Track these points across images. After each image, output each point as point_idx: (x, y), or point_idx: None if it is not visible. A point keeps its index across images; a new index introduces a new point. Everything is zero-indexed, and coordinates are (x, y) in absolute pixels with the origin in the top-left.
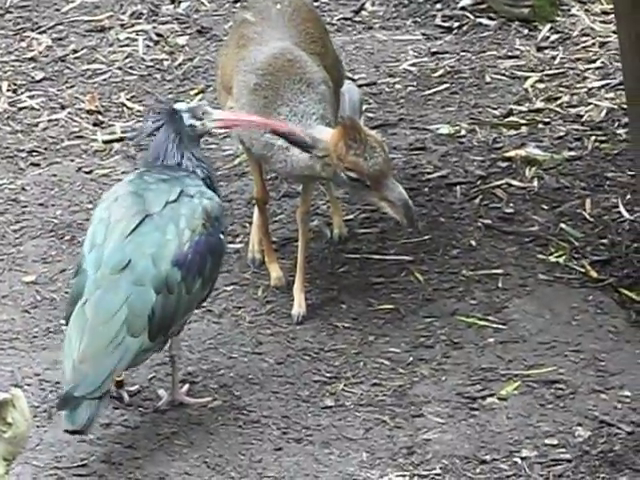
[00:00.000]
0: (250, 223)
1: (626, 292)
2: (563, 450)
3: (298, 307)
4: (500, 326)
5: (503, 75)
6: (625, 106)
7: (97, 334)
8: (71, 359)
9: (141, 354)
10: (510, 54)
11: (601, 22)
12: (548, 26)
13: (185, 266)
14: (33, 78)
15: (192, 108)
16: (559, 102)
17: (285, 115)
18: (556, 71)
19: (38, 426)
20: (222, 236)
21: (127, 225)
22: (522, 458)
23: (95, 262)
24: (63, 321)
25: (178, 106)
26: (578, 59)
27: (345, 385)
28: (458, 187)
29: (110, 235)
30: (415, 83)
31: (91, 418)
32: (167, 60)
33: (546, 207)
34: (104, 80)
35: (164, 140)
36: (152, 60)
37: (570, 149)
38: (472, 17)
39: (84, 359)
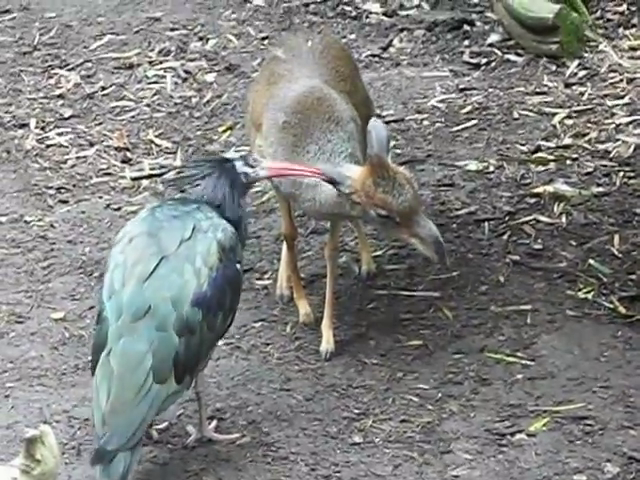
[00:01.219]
0: (278, 259)
1: None
2: None
3: (327, 343)
4: (529, 362)
5: (531, 111)
6: None
7: (124, 384)
8: (100, 412)
9: (170, 398)
10: (538, 90)
11: (629, 58)
12: (576, 62)
13: (205, 304)
14: (61, 115)
15: (244, 156)
16: (587, 138)
17: (314, 153)
18: (584, 107)
19: (67, 463)
20: (239, 266)
21: (144, 269)
22: None
23: (115, 309)
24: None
25: (230, 155)
26: (606, 95)
27: (374, 421)
28: (486, 223)
29: (128, 280)
30: (443, 119)
31: (127, 470)
32: (195, 97)
33: (574, 243)
34: (132, 117)
35: (218, 189)
36: (180, 97)
37: (598, 185)
38: (500, 53)
39: (114, 411)
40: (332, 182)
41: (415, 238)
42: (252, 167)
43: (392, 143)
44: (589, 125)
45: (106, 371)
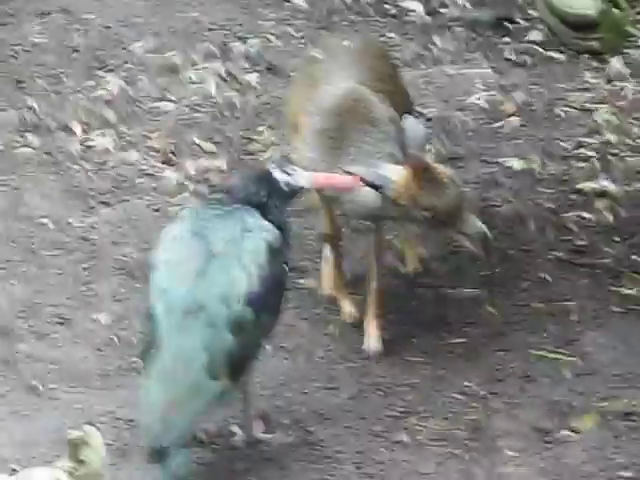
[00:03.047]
0: (321, 258)
1: None
2: None
3: (371, 342)
4: (573, 359)
5: (573, 108)
6: None
7: (178, 382)
8: (154, 410)
9: (224, 396)
10: (580, 87)
11: None
12: (618, 58)
13: (255, 303)
14: (104, 118)
15: (284, 169)
16: (629, 134)
17: (352, 155)
18: (626, 103)
19: (111, 464)
20: (285, 266)
21: (193, 268)
22: None
23: (165, 308)
24: (138, 360)
25: (272, 165)
26: None
27: (419, 420)
28: (530, 220)
29: (177, 279)
30: (485, 117)
31: (187, 465)
32: (237, 98)
33: (618, 239)
34: (174, 119)
35: (259, 194)
36: (222, 98)
37: None
38: (541, 50)
39: (168, 408)
40: (374, 187)
41: (462, 235)
42: (290, 175)
43: (433, 140)
44: (631, 121)
45: (158, 368)
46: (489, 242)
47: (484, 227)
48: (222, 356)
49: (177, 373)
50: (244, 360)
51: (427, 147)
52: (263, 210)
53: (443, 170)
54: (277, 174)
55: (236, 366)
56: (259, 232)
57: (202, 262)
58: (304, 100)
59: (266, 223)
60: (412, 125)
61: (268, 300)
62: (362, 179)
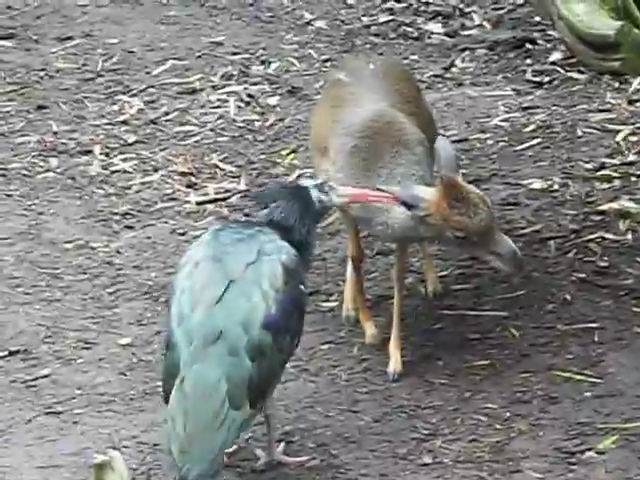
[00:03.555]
0: (344, 281)
1: None
2: None
3: (394, 364)
4: (597, 380)
5: (595, 129)
6: None
7: (200, 412)
8: (178, 441)
9: (246, 423)
10: (601, 107)
11: None
12: (639, 79)
13: (274, 327)
14: (125, 141)
15: (319, 184)
16: None
17: (384, 177)
18: None
19: None
20: (302, 287)
21: (212, 293)
22: None
23: (186, 335)
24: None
25: (305, 182)
26: None
27: (443, 442)
28: (552, 241)
29: (197, 305)
30: (507, 138)
31: None
32: (258, 121)
33: None
34: (196, 142)
35: (290, 213)
36: (243, 121)
37: None
38: (562, 71)
39: (192, 440)
40: (407, 205)
41: (493, 255)
42: (327, 194)
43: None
44: None
45: (181, 399)
46: (521, 261)
47: (514, 246)
48: (243, 384)
49: (199, 403)
50: (265, 385)
51: (458, 168)
52: (289, 230)
53: (474, 190)
54: (314, 192)
55: (257, 392)
56: (277, 255)
57: (222, 288)
58: (331, 122)
59: (283, 244)
60: (444, 146)
61: (287, 323)
62: (395, 196)
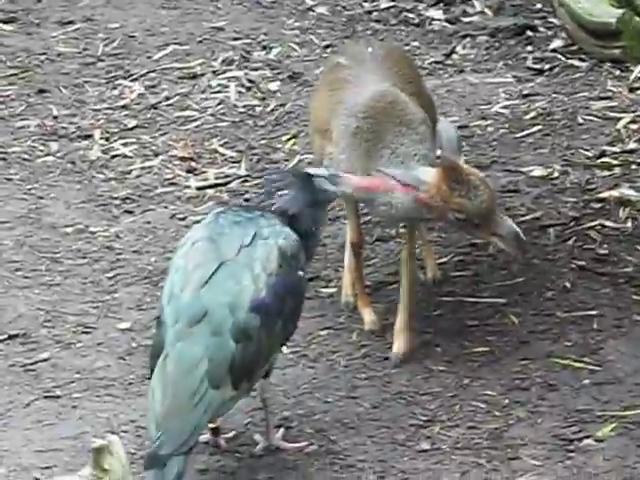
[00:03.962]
0: (343, 267)
1: None
2: None
3: (400, 347)
4: (595, 367)
5: (595, 116)
6: None
7: (179, 389)
8: (154, 415)
9: (227, 404)
10: (602, 95)
11: None
12: None
13: (263, 311)
14: (126, 126)
15: (325, 173)
16: None
17: (387, 157)
18: None
19: (134, 472)
20: (301, 273)
21: (203, 274)
22: None
23: (173, 314)
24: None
25: (312, 171)
26: None
27: (441, 428)
28: (551, 229)
29: (187, 285)
30: (507, 125)
31: (180, 475)
32: (259, 106)
33: None
34: (196, 127)
35: (295, 201)
36: (244, 106)
37: None
38: (563, 59)
39: (168, 415)
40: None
41: (495, 237)
42: (334, 183)
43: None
44: None
45: (162, 375)
46: (524, 243)
47: (516, 227)
48: (224, 364)
49: (178, 380)
50: (249, 368)
51: (461, 150)
52: (295, 218)
53: (474, 172)
54: (319, 181)
55: (240, 374)
56: (273, 239)
57: (212, 269)
58: (333, 104)
59: (284, 229)
60: (447, 128)
61: (278, 307)
62: (397, 180)
